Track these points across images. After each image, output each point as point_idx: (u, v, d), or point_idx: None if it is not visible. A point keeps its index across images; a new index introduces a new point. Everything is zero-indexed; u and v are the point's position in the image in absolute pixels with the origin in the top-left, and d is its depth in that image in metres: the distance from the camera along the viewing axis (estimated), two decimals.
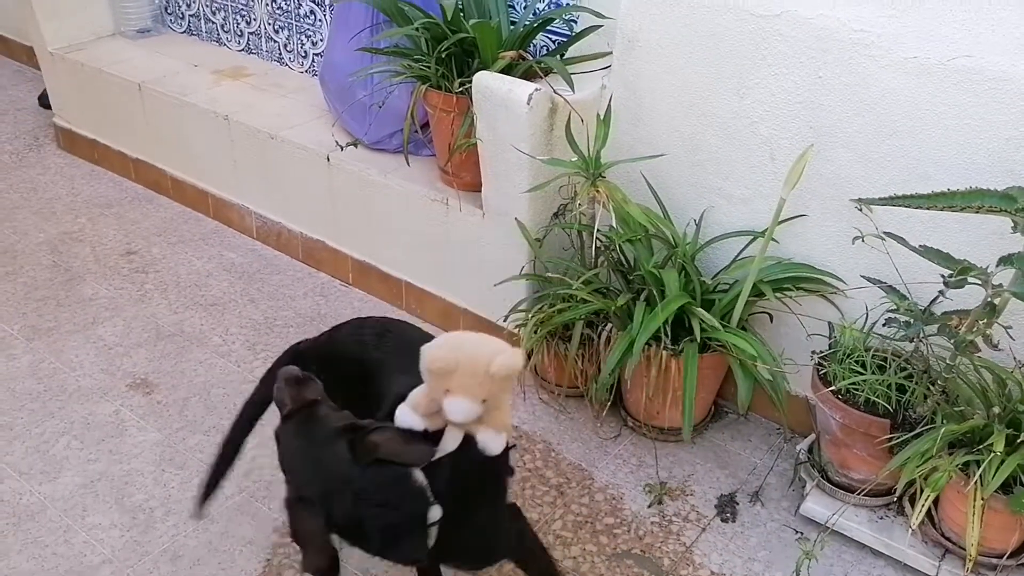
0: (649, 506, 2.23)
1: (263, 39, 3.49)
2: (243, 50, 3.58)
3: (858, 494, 2.08)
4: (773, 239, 2.26)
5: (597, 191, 2.28)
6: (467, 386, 1.44)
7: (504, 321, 2.47)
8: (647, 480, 2.30)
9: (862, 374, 2.05)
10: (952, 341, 1.80)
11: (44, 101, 3.91)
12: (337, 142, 2.85)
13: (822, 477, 2.19)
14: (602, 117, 2.31)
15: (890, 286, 2.08)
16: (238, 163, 3.14)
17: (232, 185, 3.22)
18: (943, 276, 1.76)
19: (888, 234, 1.92)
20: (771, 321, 2.36)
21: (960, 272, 1.69)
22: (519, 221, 2.45)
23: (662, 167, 2.42)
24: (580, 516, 2.20)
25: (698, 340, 2.16)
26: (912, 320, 2.00)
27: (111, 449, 2.26)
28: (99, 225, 3.22)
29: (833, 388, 2.05)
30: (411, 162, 2.74)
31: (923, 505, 1.87)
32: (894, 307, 2.05)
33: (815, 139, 2.16)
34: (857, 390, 2.06)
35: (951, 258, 1.75)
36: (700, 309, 2.19)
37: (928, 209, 1.76)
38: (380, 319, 1.97)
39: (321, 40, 3.30)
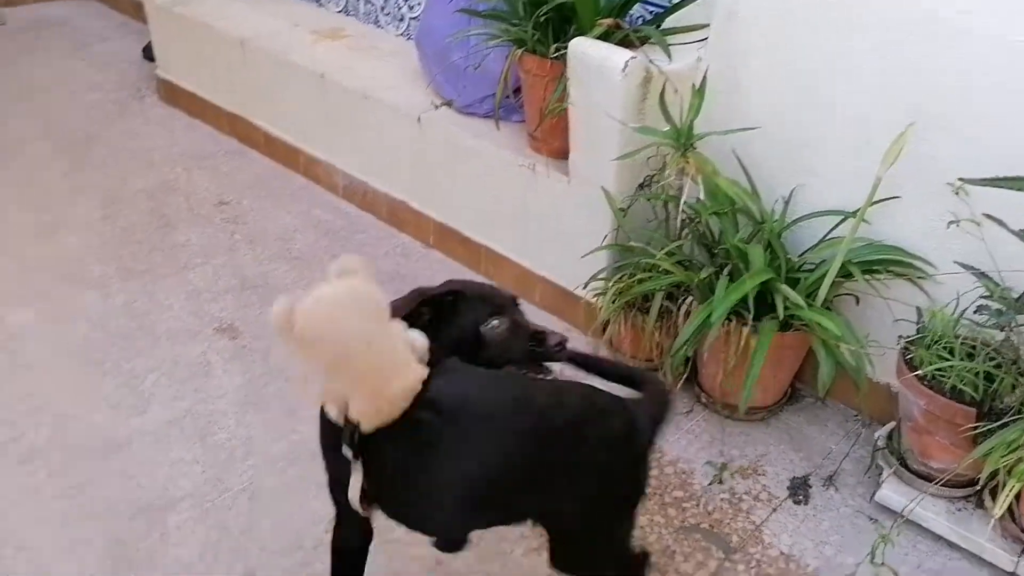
0: (720, 483, 2.21)
1: (361, 1, 3.54)
2: (341, 11, 3.63)
3: (937, 483, 2.01)
4: (864, 220, 2.20)
5: (687, 162, 2.25)
6: None
7: (583, 289, 2.47)
8: (718, 457, 2.28)
9: (949, 360, 1.98)
10: None
11: (148, 54, 4.05)
12: (432, 102, 2.88)
13: (900, 465, 2.13)
14: (697, 88, 2.27)
15: (983, 272, 2.00)
16: (330, 122, 3.20)
17: (323, 143, 3.28)
18: None
19: (988, 216, 1.84)
20: (857, 303, 2.29)
21: None
22: (605, 190, 2.43)
23: (753, 143, 2.36)
24: (649, 487, 2.18)
25: (780, 318, 2.12)
26: (1004, 308, 1.92)
27: (196, 388, 2.34)
28: (194, 176, 3.33)
29: (919, 373, 1.99)
30: (500, 127, 2.75)
31: (1007, 497, 1.80)
32: (987, 294, 1.97)
33: (915, 120, 2.08)
34: (943, 377, 1.99)
35: None
36: (784, 286, 2.14)
37: None
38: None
39: (418, 4, 3.32)
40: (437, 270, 2.93)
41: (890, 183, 2.14)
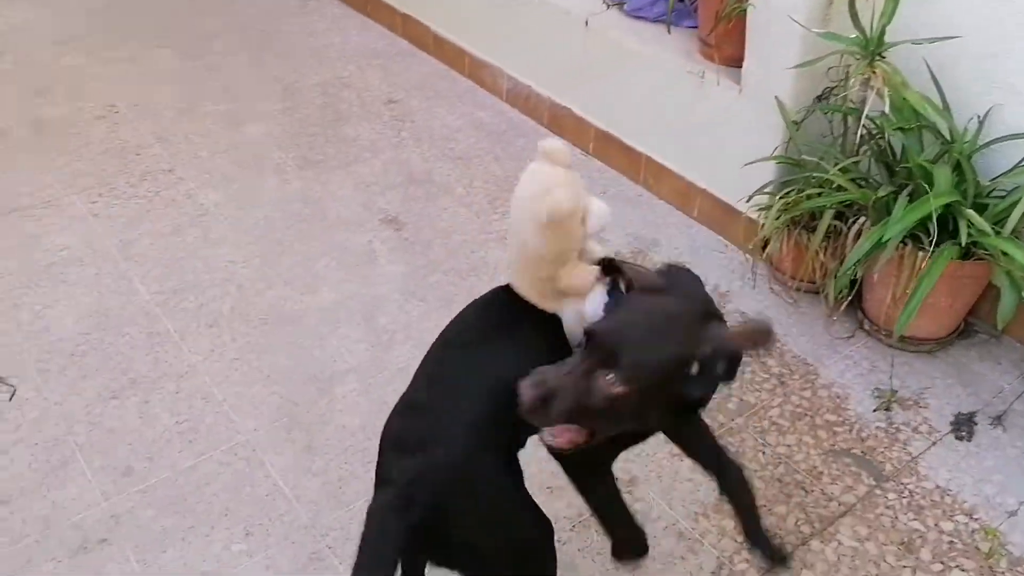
0: (875, 410, 2.13)
1: None
2: None
3: None
4: None
5: (873, 73, 2.10)
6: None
7: (746, 203, 2.39)
8: (877, 385, 2.19)
9: None
10: None
11: None
12: (604, 1, 2.82)
13: None
14: None
15: None
16: (496, 24, 3.19)
17: (489, 45, 3.29)
18: None
19: None
20: None
21: None
22: (779, 100, 2.32)
23: (949, 55, 2.18)
24: (800, 408, 2.14)
25: (963, 244, 1.98)
26: None
27: (363, 274, 2.47)
28: (366, 73, 3.43)
29: None
30: (671, 32, 2.67)
31: None
32: None
33: None
34: None
35: None
36: (970, 211, 2.00)
37: None
38: None
39: None
40: (595, 178, 2.92)
41: None
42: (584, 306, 1.34)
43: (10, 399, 2.03)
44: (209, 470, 1.91)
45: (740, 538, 1.82)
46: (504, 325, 1.38)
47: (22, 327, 2.22)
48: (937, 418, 2.12)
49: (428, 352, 1.44)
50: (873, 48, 2.08)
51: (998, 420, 2.12)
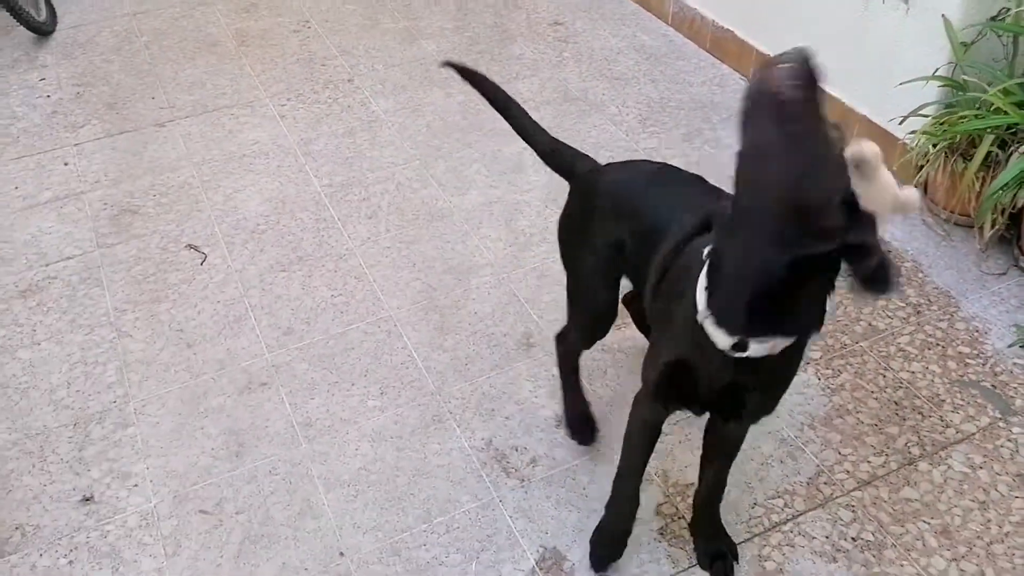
0: (1010, 346, 2.03)
1: None
2: None
3: None
4: None
5: None
6: (871, 201, 1.16)
7: (900, 124, 2.30)
8: (1021, 323, 2.09)
9: None
10: None
11: None
12: None
13: None
14: None
15: None
16: None
17: None
18: None
19: None
20: None
21: None
22: (946, 18, 2.21)
23: None
24: (932, 338, 2.09)
25: None
26: None
27: (509, 181, 2.62)
28: None
29: None
30: None
31: None
32: None
33: None
34: None
35: None
36: None
37: None
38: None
39: None
40: None
41: None
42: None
43: (201, 263, 2.36)
44: (355, 337, 2.15)
45: (843, 451, 1.85)
46: None
47: (216, 206, 2.56)
48: None
49: None
50: None
51: None
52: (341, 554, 1.71)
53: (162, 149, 2.79)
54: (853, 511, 1.74)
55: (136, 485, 1.84)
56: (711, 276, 1.24)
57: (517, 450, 1.89)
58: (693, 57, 3.13)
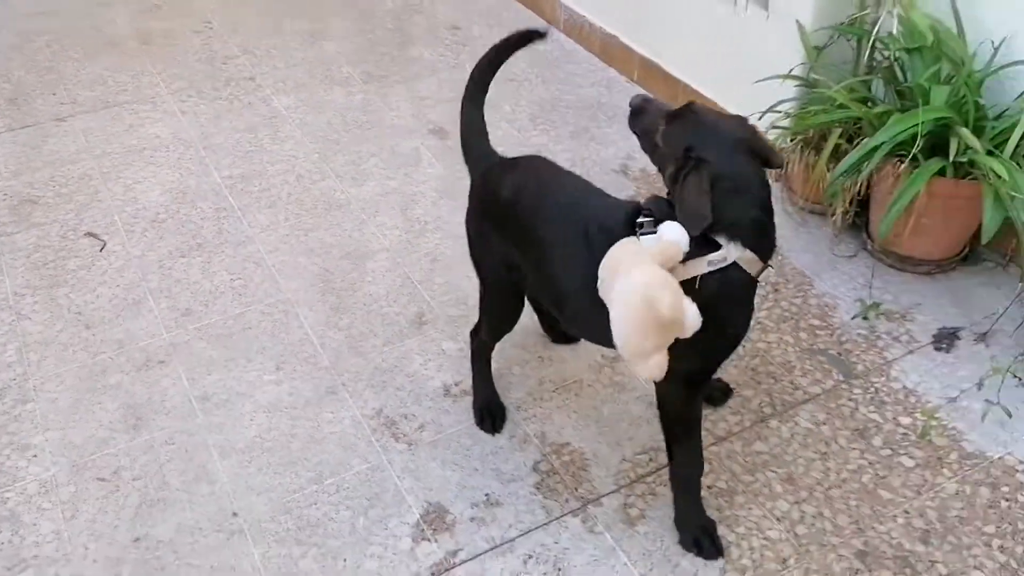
0: (853, 318, 2.26)
1: None
2: None
3: None
4: None
5: None
6: None
7: (759, 119, 2.52)
8: (865, 298, 2.32)
9: None
10: None
11: None
12: None
13: None
14: None
15: None
16: None
17: None
18: None
19: None
20: None
21: None
22: (799, 23, 2.44)
23: None
24: (787, 312, 2.30)
25: (950, 159, 2.08)
26: None
27: (406, 173, 2.74)
28: (436, 2, 3.68)
29: None
30: None
31: None
32: None
33: None
34: None
35: None
36: (964, 129, 2.08)
37: None
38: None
39: None
40: None
41: None
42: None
43: (100, 251, 2.41)
44: (253, 318, 2.24)
45: (704, 412, 2.02)
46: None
47: (115, 196, 2.61)
48: (921, 331, 2.23)
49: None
50: None
51: (983, 337, 2.21)
52: (234, 514, 1.79)
53: (62, 143, 2.83)
54: (710, 463, 1.92)
55: (35, 456, 1.89)
56: None
57: (406, 417, 2.01)
58: (583, 61, 3.33)
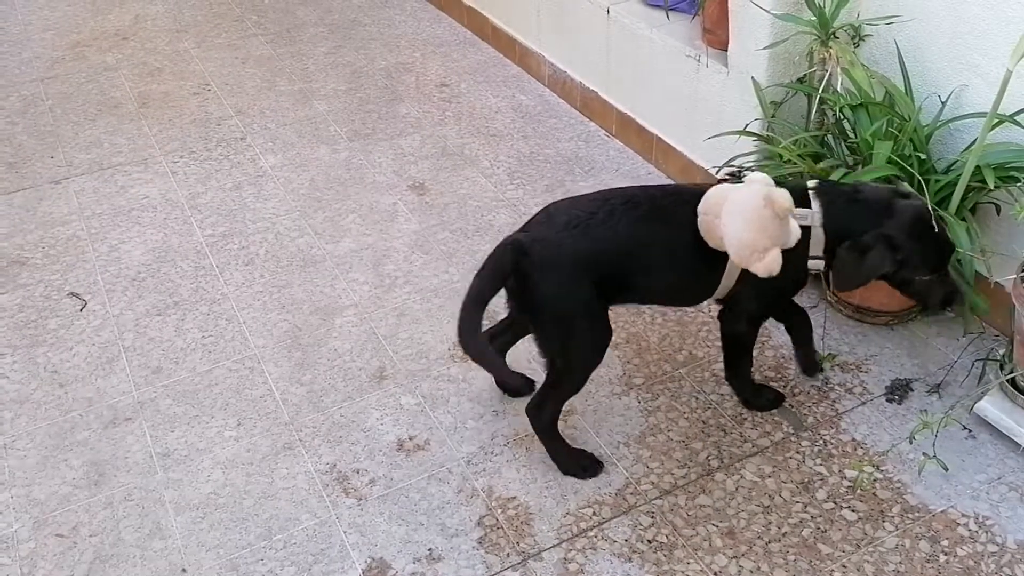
0: (817, 371, 2.27)
1: None
2: None
3: None
4: (1020, 124, 2.08)
5: (828, 52, 2.25)
6: None
7: (717, 172, 2.57)
8: (824, 350, 2.33)
9: None
10: None
11: None
12: None
13: (1007, 380, 2.06)
14: None
15: None
16: (541, 15, 3.48)
17: (535, 35, 3.58)
18: None
19: None
20: (997, 213, 2.18)
21: None
22: (755, 80, 2.49)
23: (920, 37, 2.29)
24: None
25: None
26: None
27: (382, 229, 2.83)
28: (428, 60, 3.80)
29: None
30: (678, 20, 2.88)
31: None
32: None
33: None
34: None
35: None
36: (905, 184, 2.11)
37: None
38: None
39: None
40: (612, 157, 3.15)
41: None
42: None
43: (81, 310, 2.53)
44: (219, 374, 2.32)
45: (651, 465, 2.05)
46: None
47: (100, 256, 2.73)
48: (874, 382, 2.24)
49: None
50: (826, 29, 2.22)
51: (936, 388, 2.21)
52: (183, 570, 1.86)
53: (56, 205, 2.97)
54: (652, 517, 1.94)
55: (0, 512, 1.98)
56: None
57: (358, 472, 2.06)
58: (564, 115, 3.41)
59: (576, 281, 1.86)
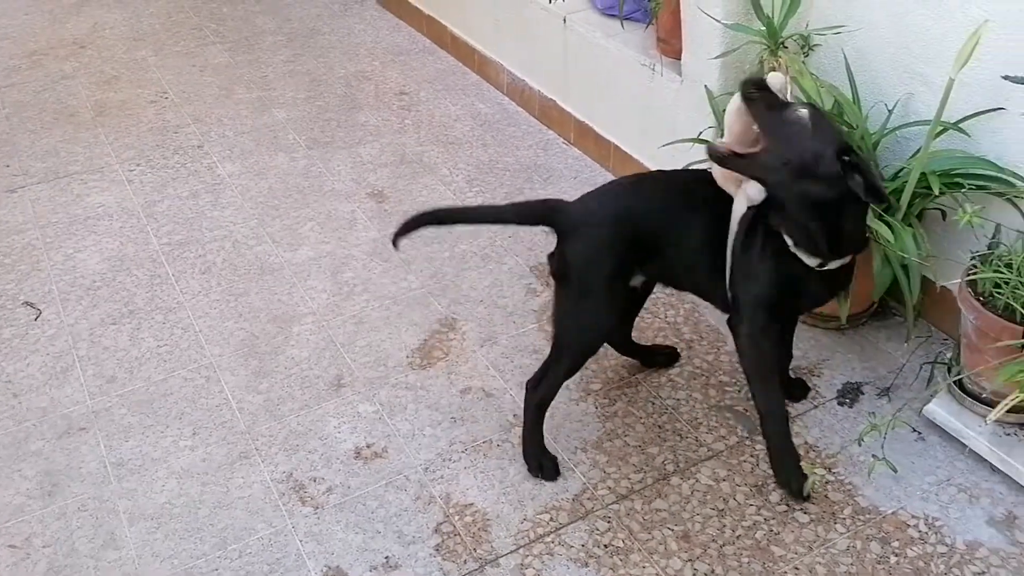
0: None
1: None
2: None
3: (997, 412, 1.97)
4: (963, 132, 2.14)
5: (777, 62, 2.30)
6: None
7: None
8: None
9: (1005, 275, 1.93)
10: None
11: None
12: None
13: (955, 383, 2.11)
14: None
15: None
16: (499, 23, 3.50)
17: (493, 43, 3.60)
18: None
19: None
20: (943, 219, 2.24)
21: None
22: (707, 89, 2.53)
23: (867, 46, 2.34)
24: (699, 369, 2.35)
25: None
26: None
27: (340, 237, 2.83)
28: (387, 68, 3.81)
29: (969, 281, 1.96)
30: (633, 29, 2.91)
31: None
32: None
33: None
34: (1000, 294, 1.94)
35: None
36: None
37: None
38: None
39: None
40: (571, 165, 3.18)
41: (996, 93, 2.06)
42: (749, 191, 1.87)
43: (35, 319, 2.49)
44: (175, 383, 2.30)
45: (608, 470, 2.07)
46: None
47: (55, 265, 2.69)
48: (826, 386, 2.28)
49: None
50: (774, 38, 2.27)
51: (886, 391, 2.26)
52: None
53: (11, 214, 2.93)
54: (609, 522, 1.96)
55: None
56: (789, 229, 1.84)
57: (315, 481, 2.06)
58: (524, 124, 3.43)
59: (607, 246, 1.94)
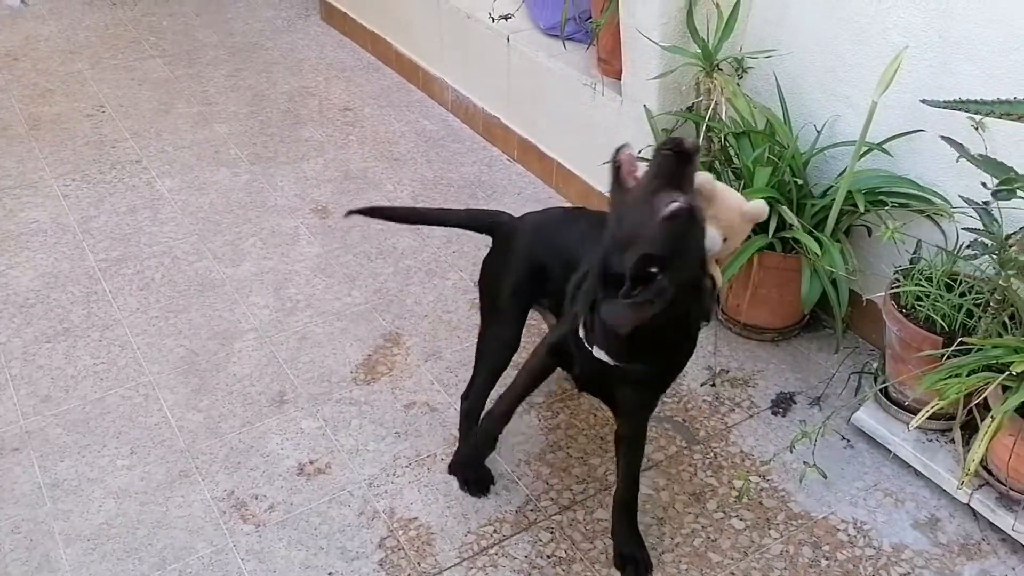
0: (702, 385, 2.37)
1: None
2: None
3: (919, 418, 2.07)
4: (886, 152, 2.24)
5: (712, 83, 2.38)
6: (719, 218, 1.63)
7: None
8: (712, 366, 2.43)
9: (926, 288, 2.02)
10: (997, 259, 1.74)
11: None
12: (490, 14, 3.12)
13: (881, 391, 2.20)
14: (732, 8, 2.37)
15: (985, 208, 1.99)
16: (444, 41, 3.54)
17: (438, 61, 3.63)
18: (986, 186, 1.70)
19: (945, 138, 1.86)
20: (868, 235, 2.34)
21: (1004, 182, 1.63)
22: (647, 108, 2.60)
23: (797, 70, 2.44)
24: None
25: (772, 236, 2.22)
26: (991, 243, 1.92)
27: (283, 253, 2.81)
28: (331, 84, 3.81)
29: (893, 294, 2.05)
30: (575, 49, 2.98)
31: (982, 440, 1.80)
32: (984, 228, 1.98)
33: (942, 49, 2.09)
34: (921, 306, 2.04)
35: (1003, 167, 1.68)
36: (784, 208, 2.24)
37: (987, 116, 1.68)
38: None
39: None
40: (515, 181, 3.22)
41: (915, 115, 2.17)
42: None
43: None
44: (112, 402, 2.26)
45: (551, 481, 2.10)
46: None
47: None
48: (761, 396, 2.35)
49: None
50: (709, 61, 2.35)
51: (817, 400, 2.34)
52: None
53: None
54: (552, 532, 1.99)
55: None
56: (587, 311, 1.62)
57: (257, 498, 2.04)
58: (468, 140, 3.46)
59: (514, 264, 1.95)
